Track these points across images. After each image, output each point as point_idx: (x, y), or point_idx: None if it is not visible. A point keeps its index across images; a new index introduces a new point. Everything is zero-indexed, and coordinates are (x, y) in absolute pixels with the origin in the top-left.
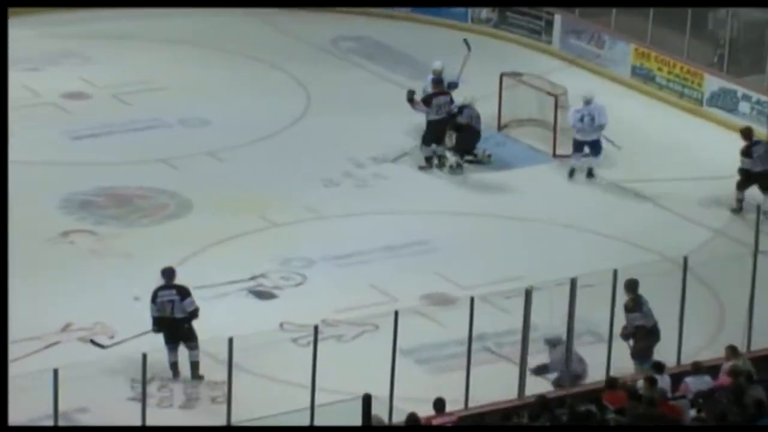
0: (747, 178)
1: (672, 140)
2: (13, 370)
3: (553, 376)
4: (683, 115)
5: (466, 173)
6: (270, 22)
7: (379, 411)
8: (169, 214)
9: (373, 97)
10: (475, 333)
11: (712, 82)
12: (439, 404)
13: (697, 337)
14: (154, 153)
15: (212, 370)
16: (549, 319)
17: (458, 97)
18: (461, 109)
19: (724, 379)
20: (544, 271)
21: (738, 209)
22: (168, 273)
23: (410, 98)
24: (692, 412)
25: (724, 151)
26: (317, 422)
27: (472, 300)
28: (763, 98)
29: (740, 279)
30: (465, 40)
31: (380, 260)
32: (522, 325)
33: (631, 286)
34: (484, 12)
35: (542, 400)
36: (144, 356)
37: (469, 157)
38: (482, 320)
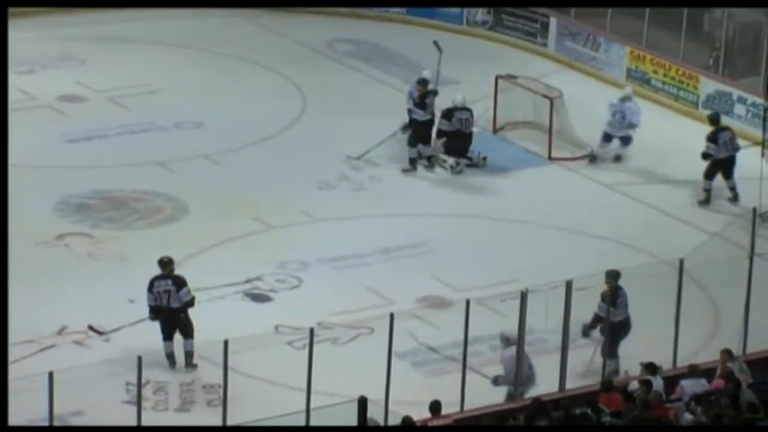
0: (713, 164)
1: (668, 142)
2: (9, 372)
3: (502, 376)
4: (679, 118)
5: (461, 176)
6: (266, 25)
7: (374, 414)
8: (164, 217)
9: (368, 100)
10: (470, 336)
11: (708, 85)
12: (435, 407)
13: (693, 340)
14: (149, 156)
15: (208, 373)
16: (545, 322)
17: (448, 100)
18: (450, 112)
19: (719, 382)
20: (540, 273)
21: (706, 200)
22: (164, 263)
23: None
24: (687, 416)
25: None
26: (313, 425)
27: (467, 303)
28: (759, 100)
29: (736, 282)
30: (435, 42)
31: (376, 263)
32: (518, 327)
33: (611, 276)
34: (480, 15)
35: (538, 403)
36: (139, 359)
37: (464, 160)
38: (478, 323)
